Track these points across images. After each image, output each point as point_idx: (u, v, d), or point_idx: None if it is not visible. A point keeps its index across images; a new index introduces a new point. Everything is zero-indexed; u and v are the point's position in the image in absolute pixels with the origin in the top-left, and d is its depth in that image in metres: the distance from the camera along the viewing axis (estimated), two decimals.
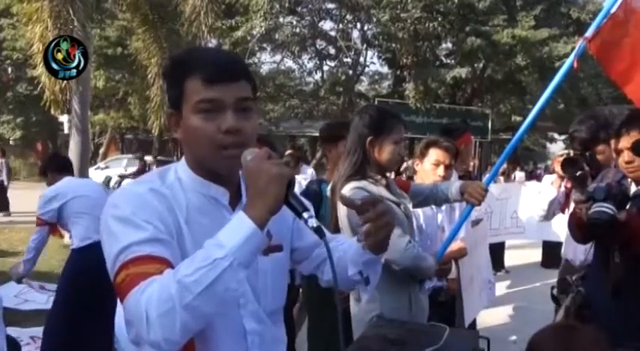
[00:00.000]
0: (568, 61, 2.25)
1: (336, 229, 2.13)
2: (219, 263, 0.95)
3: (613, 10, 2.27)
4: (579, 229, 2.17)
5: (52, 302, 3.38)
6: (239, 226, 0.99)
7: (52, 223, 3.36)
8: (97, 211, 3.57)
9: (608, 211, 1.90)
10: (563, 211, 3.09)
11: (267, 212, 1.01)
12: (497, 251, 7.12)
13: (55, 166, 3.58)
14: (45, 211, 3.31)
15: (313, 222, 1.02)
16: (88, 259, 3.14)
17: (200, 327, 1.00)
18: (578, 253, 2.93)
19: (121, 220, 1.05)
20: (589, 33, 2.26)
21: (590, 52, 2.27)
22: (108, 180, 11.37)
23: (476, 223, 2.78)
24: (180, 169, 1.19)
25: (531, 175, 10.58)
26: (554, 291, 2.60)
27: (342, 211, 2.07)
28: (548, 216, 3.16)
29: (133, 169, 16.56)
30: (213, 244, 0.98)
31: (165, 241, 1.05)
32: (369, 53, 19.45)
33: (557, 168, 2.80)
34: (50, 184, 3.49)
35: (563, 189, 3.02)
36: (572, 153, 2.76)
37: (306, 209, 1.04)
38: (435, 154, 2.71)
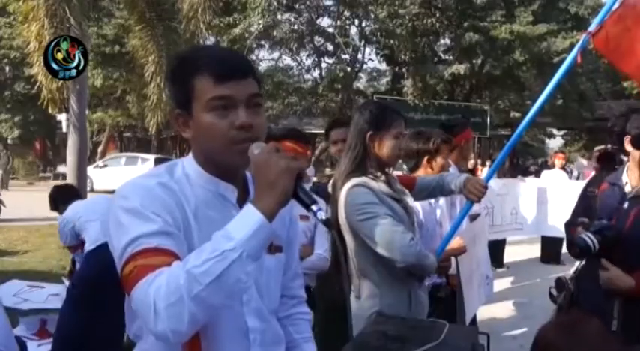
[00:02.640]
0: (571, 56, 2.24)
1: (337, 226, 2.13)
2: (229, 255, 0.96)
3: (615, 7, 2.27)
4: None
5: (63, 303, 3.41)
6: (248, 218, 0.99)
7: (81, 243, 3.50)
8: (100, 215, 3.58)
9: (588, 242, 2.08)
10: None
11: (276, 205, 1.01)
12: (498, 248, 7.09)
13: (63, 199, 3.77)
14: (65, 237, 3.54)
15: (322, 214, 1.03)
16: (100, 259, 3.20)
17: (207, 318, 1.00)
18: None
19: (129, 212, 1.06)
20: (592, 28, 2.25)
21: (593, 46, 2.26)
22: None
23: (473, 218, 2.78)
24: (187, 166, 1.18)
25: (525, 172, 10.56)
26: (553, 290, 2.62)
27: (342, 208, 2.07)
28: None
29: (131, 167, 16.59)
30: (221, 235, 0.99)
31: (173, 235, 1.06)
32: (367, 50, 19.46)
33: (594, 163, 2.85)
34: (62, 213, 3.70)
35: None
36: (610, 148, 2.76)
37: (314, 202, 1.04)
38: (446, 149, 2.83)
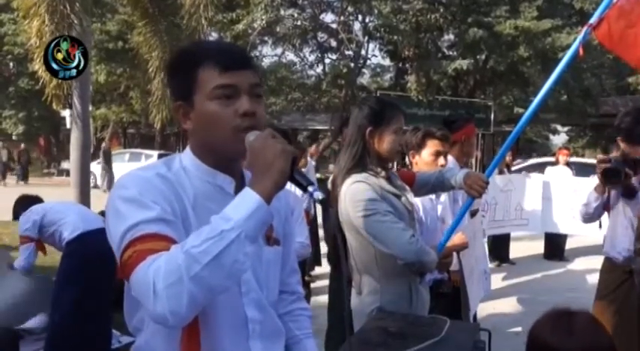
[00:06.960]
0: (573, 48, 2.23)
1: (337, 223, 2.13)
2: (227, 234, 0.96)
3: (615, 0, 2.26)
4: None
5: (53, 294, 3.40)
6: (245, 200, 1.01)
7: (37, 239, 3.36)
8: (76, 208, 3.54)
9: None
10: (607, 211, 2.91)
11: (273, 186, 1.03)
12: (502, 244, 7.06)
13: (24, 207, 3.52)
14: (25, 227, 3.31)
15: (319, 195, 1.05)
16: (81, 247, 3.20)
17: (207, 301, 1.00)
18: (621, 249, 2.74)
19: (128, 200, 1.06)
20: (593, 20, 2.24)
21: (597, 40, 2.25)
22: None
23: (473, 214, 2.76)
24: (185, 159, 1.20)
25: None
26: None
27: (343, 205, 2.06)
28: (594, 218, 2.97)
29: (135, 163, 16.63)
30: (219, 218, 1.00)
31: (172, 223, 1.07)
32: (371, 46, 19.50)
33: (599, 177, 2.69)
34: None
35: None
36: (611, 157, 2.67)
37: (310, 183, 1.06)
38: (433, 145, 2.75)
